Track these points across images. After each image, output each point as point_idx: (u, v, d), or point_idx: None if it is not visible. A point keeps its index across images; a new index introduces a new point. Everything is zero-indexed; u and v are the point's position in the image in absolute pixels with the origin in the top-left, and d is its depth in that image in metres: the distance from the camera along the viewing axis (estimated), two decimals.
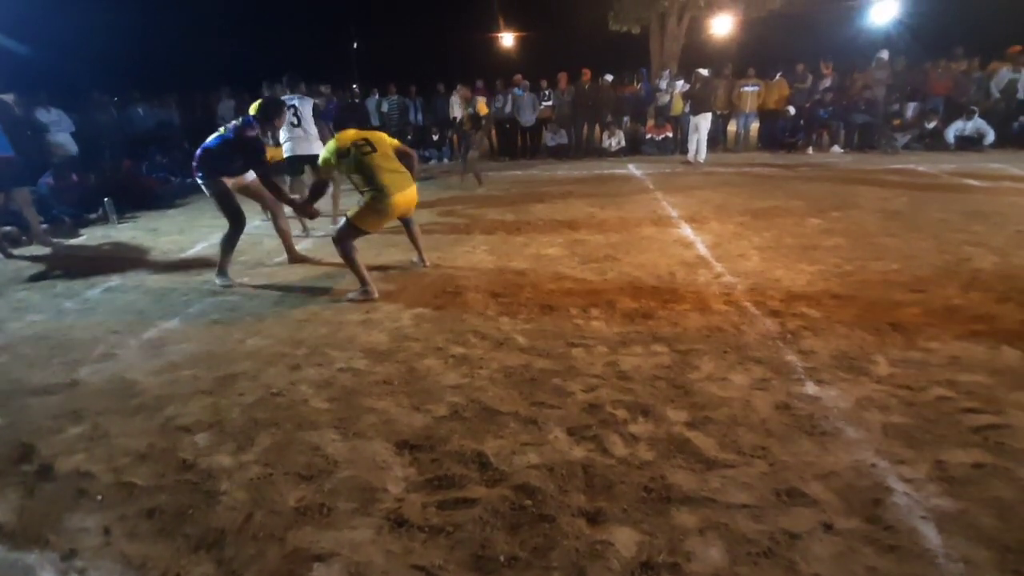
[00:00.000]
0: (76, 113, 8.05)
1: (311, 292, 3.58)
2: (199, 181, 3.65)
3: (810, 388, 2.16)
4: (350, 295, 3.39)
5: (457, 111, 10.59)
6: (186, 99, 10.33)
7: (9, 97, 6.28)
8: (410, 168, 3.49)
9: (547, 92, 10.48)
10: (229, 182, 3.69)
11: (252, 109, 3.70)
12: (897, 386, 2.14)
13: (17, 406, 2.30)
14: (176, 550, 1.51)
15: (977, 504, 1.54)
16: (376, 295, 3.35)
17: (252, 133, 3.55)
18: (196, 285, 3.82)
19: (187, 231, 5.69)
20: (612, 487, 1.67)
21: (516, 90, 10.41)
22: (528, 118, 10.54)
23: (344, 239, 3.31)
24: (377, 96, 11.00)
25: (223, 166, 3.61)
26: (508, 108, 10.47)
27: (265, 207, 4.19)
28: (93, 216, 6.33)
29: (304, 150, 5.04)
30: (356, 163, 3.26)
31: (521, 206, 6.02)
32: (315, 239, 5.02)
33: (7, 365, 2.70)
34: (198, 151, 3.62)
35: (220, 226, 5.42)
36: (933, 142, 9.23)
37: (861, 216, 4.92)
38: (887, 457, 1.74)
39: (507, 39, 20.13)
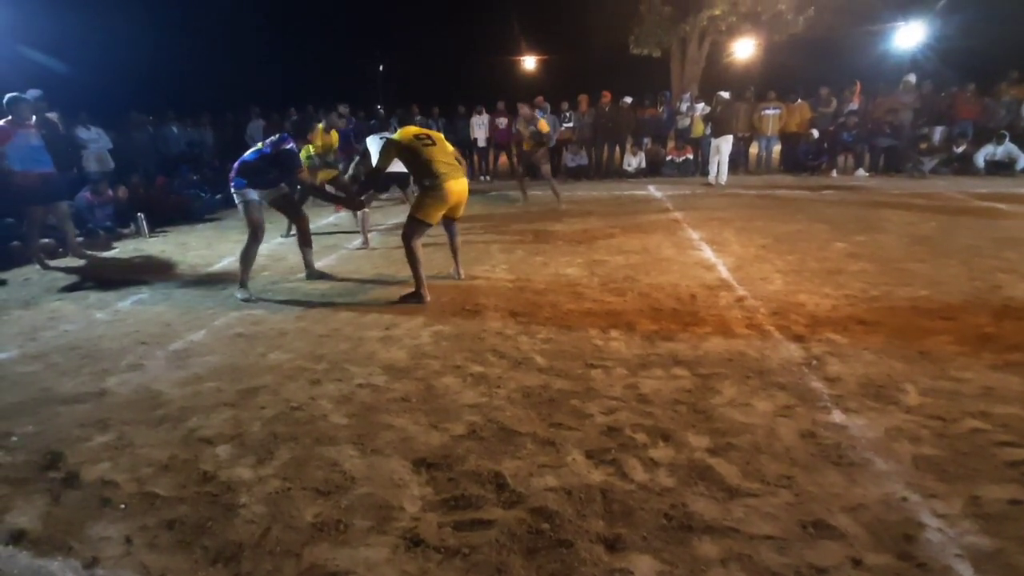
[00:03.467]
0: (114, 131, 8.40)
1: (332, 308, 3.63)
2: (232, 189, 3.84)
3: (837, 416, 2.10)
4: (404, 299, 3.61)
5: (478, 132, 10.78)
6: (218, 119, 10.70)
7: (53, 115, 6.58)
8: (464, 171, 3.81)
9: (568, 114, 10.60)
10: (261, 194, 3.88)
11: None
12: (928, 416, 2.07)
13: (47, 414, 2.36)
14: (195, 562, 1.52)
15: (1014, 542, 1.47)
16: (428, 299, 3.59)
17: (287, 146, 3.80)
18: (222, 299, 3.90)
19: (215, 246, 5.84)
20: (632, 513, 1.63)
21: (537, 112, 10.53)
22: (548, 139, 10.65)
23: (411, 236, 3.57)
24: (399, 117, 11.23)
25: (257, 178, 3.82)
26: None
27: (292, 221, 4.32)
28: (126, 230, 6.55)
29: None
30: (416, 153, 3.56)
31: (541, 226, 6.05)
32: (338, 255, 5.11)
33: (40, 373, 2.78)
34: (236, 163, 3.85)
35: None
36: (962, 166, 9.05)
37: (887, 241, 4.83)
38: (919, 491, 1.68)
39: (529, 62, 20.49)
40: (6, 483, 1.89)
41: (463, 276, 4.11)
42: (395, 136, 3.69)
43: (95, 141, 7.90)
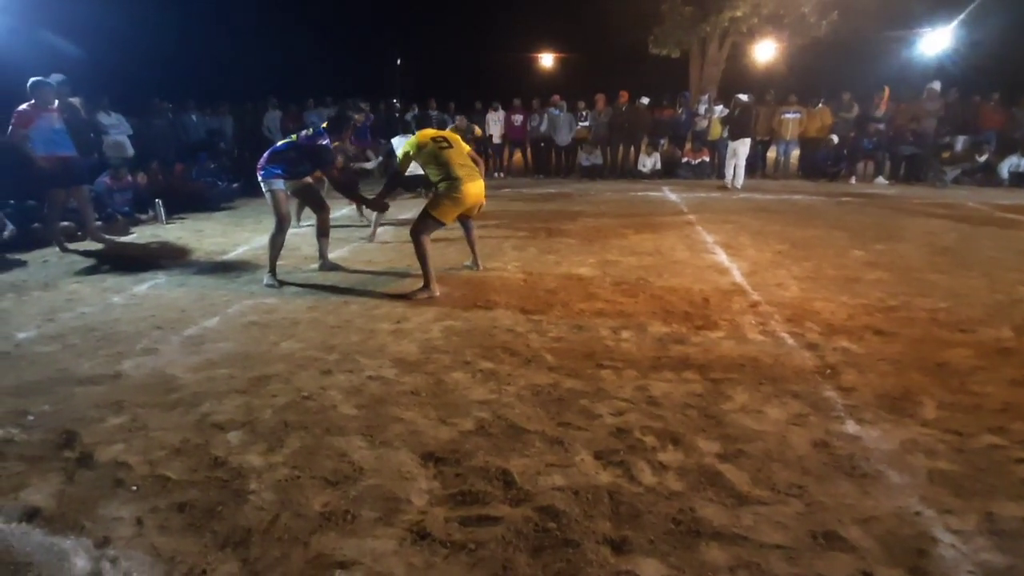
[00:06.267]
0: (135, 117, 8.51)
1: (344, 299, 3.64)
2: (261, 178, 3.90)
3: (850, 427, 2.07)
4: (414, 294, 3.60)
5: (493, 129, 10.76)
6: (237, 108, 10.79)
7: (76, 100, 6.67)
8: (481, 173, 3.81)
9: (584, 113, 10.55)
10: (287, 184, 3.94)
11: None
12: (945, 430, 2.03)
13: (64, 394, 2.40)
14: (204, 546, 1.53)
15: None
16: (437, 294, 3.60)
17: (323, 142, 3.88)
18: (236, 286, 3.94)
19: (230, 234, 5.89)
20: (639, 516, 1.62)
21: (553, 110, 10.51)
22: (564, 138, 10.62)
23: (420, 231, 3.60)
24: (417, 111, 11.27)
25: (286, 168, 3.88)
26: (544, 127, 10.57)
27: (315, 210, 4.35)
28: (144, 216, 6.63)
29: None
30: (433, 155, 3.61)
31: (554, 225, 6.03)
32: (351, 247, 5.13)
33: (57, 354, 2.83)
34: (267, 152, 3.93)
35: (262, 231, 5.66)
36: (985, 177, 8.88)
37: (907, 250, 4.76)
38: (933, 505, 1.65)
39: (547, 59, 20.41)
40: (22, 460, 1.92)
41: (482, 267, 4.21)
42: (413, 139, 3.75)
43: (116, 127, 8.00)
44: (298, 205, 5.49)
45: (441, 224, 3.66)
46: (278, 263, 4.04)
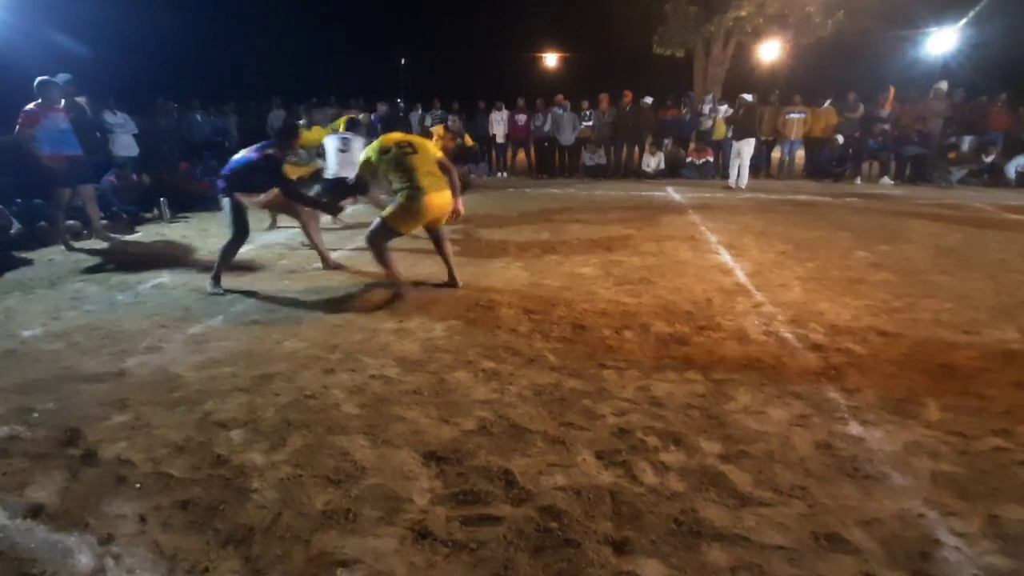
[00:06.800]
0: (140, 117, 8.55)
1: (347, 299, 3.65)
2: (219, 193, 3.82)
3: (854, 428, 2.06)
4: (388, 304, 3.47)
5: (497, 128, 10.75)
6: (242, 108, 10.83)
7: (82, 99, 6.70)
8: (451, 182, 3.54)
9: (588, 112, 10.54)
10: (249, 197, 3.85)
11: (340, 124, 4.27)
12: (949, 432, 2.02)
13: (68, 391, 2.41)
14: (206, 544, 1.54)
15: None
16: (408, 293, 3.50)
17: (269, 152, 3.76)
18: (240, 285, 3.95)
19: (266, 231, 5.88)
20: (640, 517, 1.62)
21: (557, 109, 10.50)
22: (567, 137, 10.60)
23: (376, 238, 3.43)
24: (421, 111, 11.28)
25: (244, 183, 3.77)
26: (548, 127, 10.57)
27: (298, 220, 4.29)
28: (149, 215, 6.67)
29: (348, 173, 5.27)
30: (396, 161, 3.37)
31: (557, 224, 6.02)
32: (354, 247, 5.14)
33: (62, 352, 2.84)
34: (225, 168, 3.83)
35: (265, 231, 5.69)
36: (991, 178, 8.83)
37: (912, 251, 4.73)
38: (936, 507, 1.64)
39: (550, 59, 20.40)
40: (26, 457, 1.94)
41: (461, 284, 3.78)
42: (375, 143, 3.56)
43: (121, 126, 8.04)
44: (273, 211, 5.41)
45: (398, 234, 3.48)
46: (282, 262, 4.03)
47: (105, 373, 2.59)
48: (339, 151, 5.42)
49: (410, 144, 3.47)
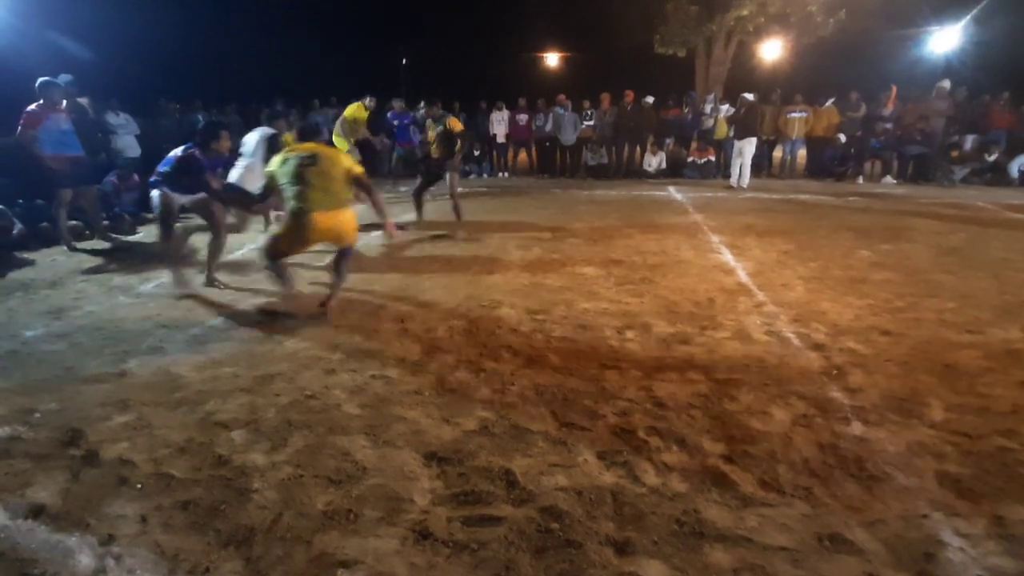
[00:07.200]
0: (142, 118, 8.56)
1: (348, 299, 3.64)
2: (152, 193, 3.80)
3: (857, 428, 2.05)
4: (272, 304, 3.28)
5: (498, 128, 10.74)
6: (244, 108, 10.84)
7: (84, 101, 6.72)
8: (372, 198, 3.33)
9: (589, 112, 10.53)
10: (179, 199, 3.83)
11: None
12: (953, 433, 2.01)
13: (70, 392, 2.41)
14: (207, 544, 1.54)
15: None
16: (299, 304, 3.15)
17: (190, 152, 3.71)
18: (241, 285, 3.95)
19: (236, 234, 5.90)
20: (642, 517, 1.62)
21: (558, 109, 10.50)
22: (569, 137, 10.60)
23: (265, 252, 3.18)
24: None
25: (173, 183, 3.75)
26: (549, 127, 10.56)
27: (210, 223, 4.05)
28: (151, 215, 6.66)
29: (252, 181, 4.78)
30: (292, 174, 3.10)
31: (558, 224, 6.02)
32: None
33: (63, 352, 2.84)
34: (158, 167, 3.81)
35: (267, 231, 5.69)
36: (994, 177, 8.80)
37: (914, 250, 4.71)
38: (941, 508, 1.63)
39: (552, 59, 20.39)
40: (28, 458, 1.94)
41: (331, 318, 3.22)
42: (279, 156, 3.25)
43: (124, 127, 8.06)
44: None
45: (283, 252, 3.17)
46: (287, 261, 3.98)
47: (107, 373, 2.59)
48: (246, 157, 5.18)
49: (313, 156, 3.14)
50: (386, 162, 10.07)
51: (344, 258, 3.34)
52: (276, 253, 3.17)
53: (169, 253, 3.89)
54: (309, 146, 3.27)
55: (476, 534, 1.56)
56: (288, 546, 1.53)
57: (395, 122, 9.29)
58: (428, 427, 2.10)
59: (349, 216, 3.20)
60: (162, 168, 3.80)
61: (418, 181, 6.03)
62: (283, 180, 3.14)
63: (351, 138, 7.38)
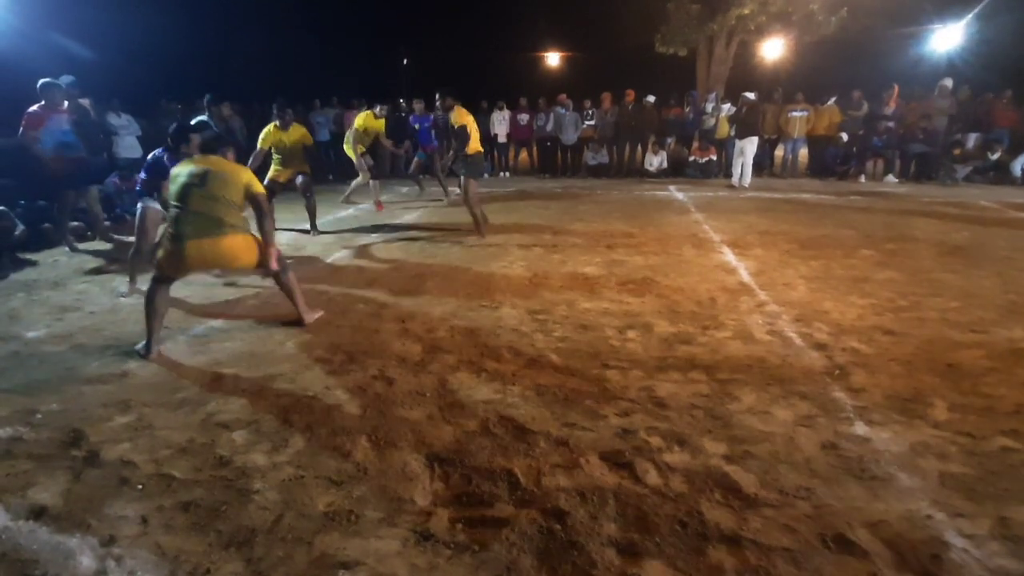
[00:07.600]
0: (144, 119, 8.57)
1: (349, 299, 3.64)
2: (139, 199, 3.79)
3: (860, 428, 2.05)
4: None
5: (499, 128, 10.73)
6: (245, 109, 10.84)
7: (86, 101, 6.72)
8: (260, 223, 2.92)
9: (590, 112, 10.52)
10: (161, 213, 3.76)
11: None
12: (957, 433, 2.00)
13: (71, 392, 2.41)
14: (208, 545, 1.53)
15: None
16: (147, 352, 2.77)
17: (158, 157, 3.70)
18: (242, 285, 3.95)
19: None
20: (645, 518, 1.61)
21: (559, 109, 10.49)
22: (570, 137, 10.59)
23: (154, 272, 2.89)
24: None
25: (153, 193, 3.73)
26: (550, 126, 10.55)
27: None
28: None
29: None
30: (177, 193, 2.76)
31: (559, 224, 6.01)
32: (355, 248, 5.14)
33: (65, 353, 2.85)
34: (138, 175, 3.81)
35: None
36: (997, 175, 8.76)
37: (917, 249, 4.70)
38: (945, 509, 1.63)
39: (552, 58, 20.37)
40: (30, 458, 1.94)
41: (311, 323, 3.14)
42: (179, 165, 2.92)
43: (125, 128, 8.07)
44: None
45: (165, 276, 2.83)
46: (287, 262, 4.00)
47: (108, 374, 2.59)
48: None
49: (203, 175, 2.77)
50: (406, 164, 9.99)
51: (276, 280, 3.07)
52: (161, 276, 2.84)
53: (133, 263, 3.85)
54: (208, 161, 2.86)
55: (478, 535, 1.55)
56: (289, 547, 1.52)
57: (416, 125, 9.14)
58: (429, 428, 2.10)
59: (237, 241, 2.81)
60: (141, 175, 3.79)
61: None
62: (170, 198, 2.82)
63: (360, 147, 7.08)
